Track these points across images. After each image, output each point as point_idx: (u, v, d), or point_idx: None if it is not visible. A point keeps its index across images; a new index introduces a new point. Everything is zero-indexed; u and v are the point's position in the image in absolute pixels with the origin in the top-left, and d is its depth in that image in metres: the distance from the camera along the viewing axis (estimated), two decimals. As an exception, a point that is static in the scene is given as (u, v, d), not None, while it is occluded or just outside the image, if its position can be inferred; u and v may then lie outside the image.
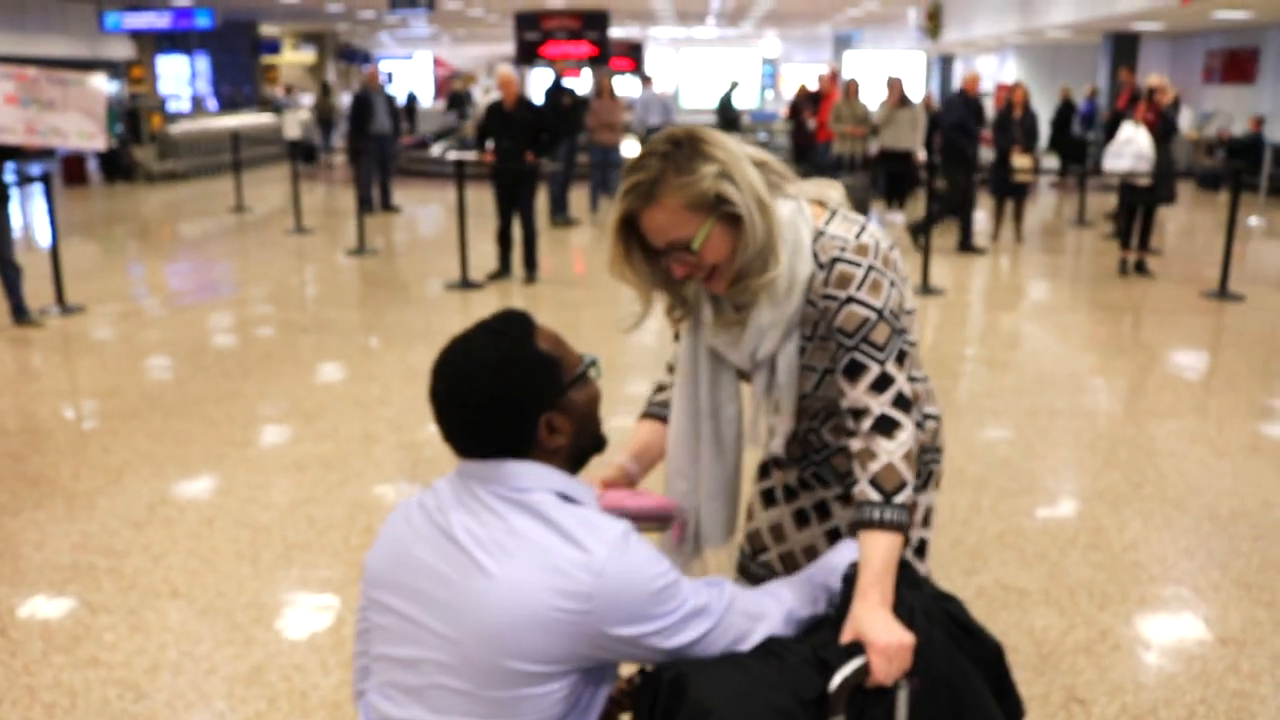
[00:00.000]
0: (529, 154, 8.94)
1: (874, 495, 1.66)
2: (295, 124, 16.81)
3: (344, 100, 27.35)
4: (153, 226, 13.57)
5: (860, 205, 12.69)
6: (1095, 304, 8.64)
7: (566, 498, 1.54)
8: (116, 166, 17.78)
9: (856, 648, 1.54)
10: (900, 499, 1.65)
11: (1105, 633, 3.45)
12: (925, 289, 8.69)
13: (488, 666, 1.45)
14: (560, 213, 12.66)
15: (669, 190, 1.67)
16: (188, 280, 9.79)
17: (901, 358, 1.73)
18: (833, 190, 1.83)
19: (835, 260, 1.71)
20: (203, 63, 28.54)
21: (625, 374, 6.39)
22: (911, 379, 1.78)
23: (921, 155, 12.49)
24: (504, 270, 9.25)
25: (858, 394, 1.71)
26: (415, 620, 1.52)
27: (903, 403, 1.71)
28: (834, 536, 2.00)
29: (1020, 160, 11.30)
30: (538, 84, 14.54)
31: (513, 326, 1.57)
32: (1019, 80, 12.86)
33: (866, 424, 1.70)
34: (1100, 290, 9.08)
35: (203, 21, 22.57)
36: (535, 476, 1.53)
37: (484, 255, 9.69)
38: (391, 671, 1.56)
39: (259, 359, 6.88)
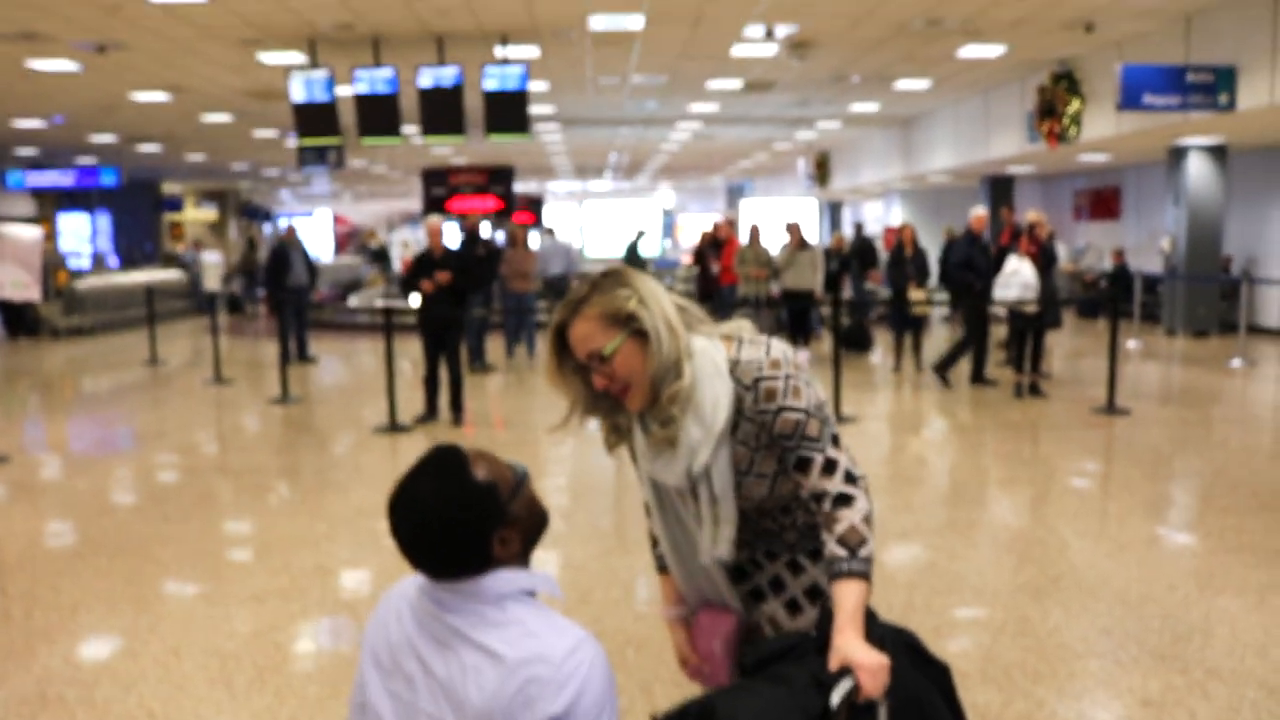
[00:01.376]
0: (454, 291, 9.28)
1: (841, 552, 1.96)
2: (215, 277, 16.96)
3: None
4: (68, 379, 13.50)
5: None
6: (997, 424, 9.19)
7: (530, 596, 1.77)
8: (20, 322, 17.64)
9: (845, 671, 1.84)
10: (863, 553, 1.96)
11: (1041, 703, 3.76)
12: (837, 416, 9.15)
13: None
14: (478, 360, 12.95)
15: (590, 305, 1.99)
16: (113, 430, 9.79)
17: (835, 441, 2.06)
18: (740, 326, 2.16)
19: (758, 380, 2.03)
20: (104, 220, 28.55)
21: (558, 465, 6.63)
22: (844, 451, 2.10)
23: (819, 294, 13.18)
24: (431, 413, 9.47)
25: (812, 482, 2.03)
26: (408, 700, 1.74)
27: (850, 478, 2.03)
28: (793, 607, 2.25)
29: (915, 294, 12.03)
30: (450, 237, 15.05)
31: (448, 465, 1.75)
32: (906, 221, 13.74)
33: (828, 504, 2.01)
34: (1000, 412, 9.66)
35: (108, 180, 22.73)
36: (496, 583, 1.74)
37: (409, 400, 9.90)
38: None
39: (197, 502, 6.96)
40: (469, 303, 11.13)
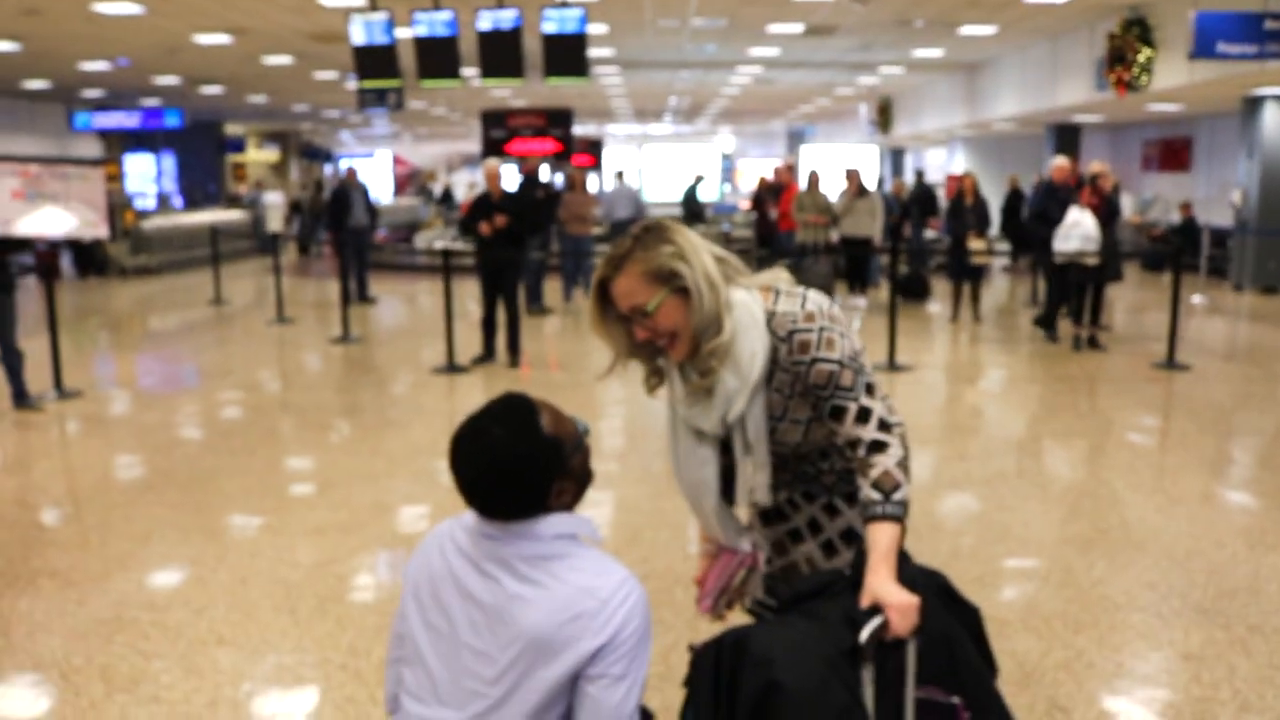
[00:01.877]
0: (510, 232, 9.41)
1: (875, 495, 2.03)
2: (277, 218, 17.23)
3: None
4: (136, 318, 13.86)
5: (824, 290, 13.24)
6: (1053, 376, 9.15)
7: (574, 538, 1.88)
8: (90, 262, 18.07)
9: (876, 609, 1.92)
10: (898, 496, 2.03)
11: (1080, 653, 3.83)
12: (891, 365, 9.16)
13: (516, 680, 1.79)
14: (536, 302, 13.09)
15: (633, 262, 2.07)
16: (180, 367, 10.08)
17: (870, 389, 2.12)
18: (777, 276, 2.24)
19: (792, 332, 2.11)
20: (169, 161, 28.98)
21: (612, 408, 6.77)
22: (882, 399, 2.16)
23: (879, 241, 13.13)
24: (488, 355, 9.62)
25: (846, 429, 2.11)
26: (447, 633, 1.86)
27: (885, 425, 2.09)
28: (828, 548, 2.35)
29: (975, 244, 11.94)
30: (509, 179, 15.15)
31: (519, 414, 1.86)
32: (968, 170, 13.60)
33: (862, 450, 2.09)
34: (1057, 364, 9.61)
35: (172, 121, 23.08)
36: (547, 527, 1.86)
37: (467, 341, 10.06)
38: (423, 678, 1.89)
39: (262, 438, 7.18)
40: (527, 245, 11.25)
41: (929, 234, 17.59)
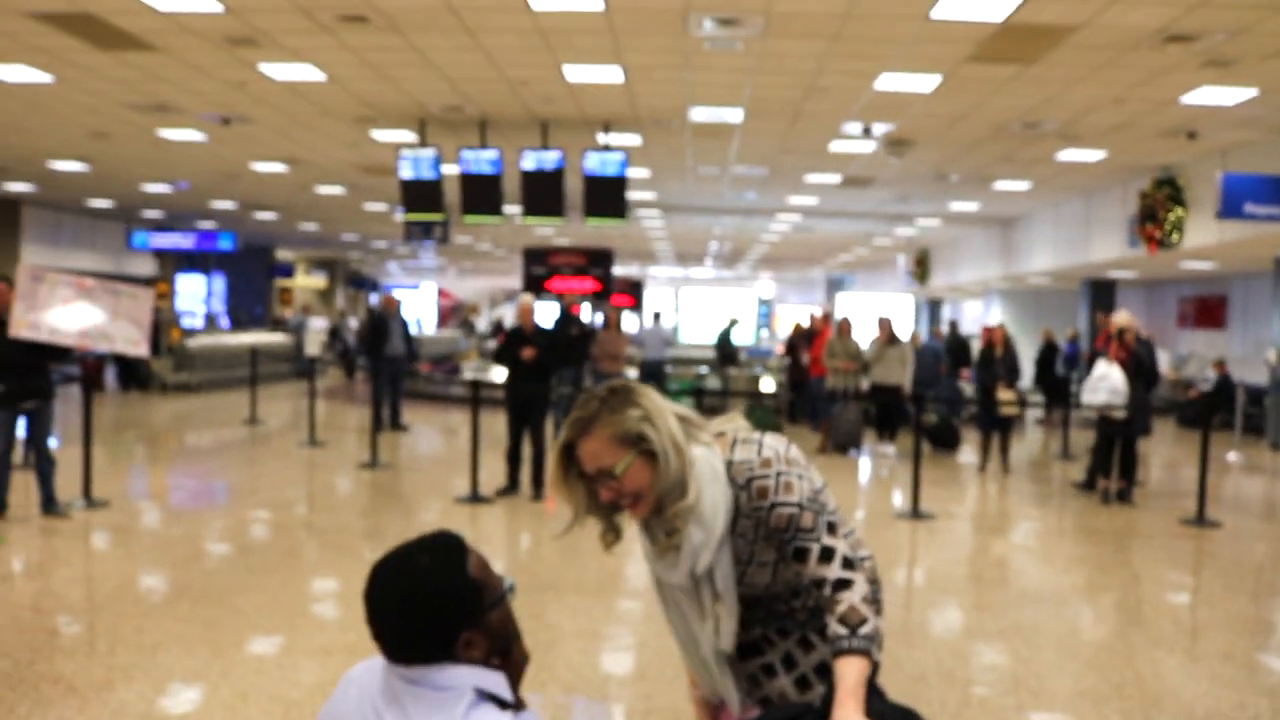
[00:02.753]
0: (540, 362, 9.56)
1: (842, 630, 2.08)
2: (316, 343, 17.60)
3: (356, 323, 28.50)
4: (171, 433, 14.09)
5: (852, 437, 13.27)
6: (1079, 529, 9.05)
7: (487, 694, 1.75)
8: (133, 376, 18.45)
9: None
10: (864, 631, 2.08)
11: (1085, 810, 3.73)
12: (915, 513, 9.11)
13: None
14: (564, 433, 13.16)
15: (600, 425, 2.13)
16: (208, 483, 10.20)
17: (833, 528, 2.18)
18: (734, 421, 2.33)
19: (750, 479, 2.18)
20: (219, 283, 29.77)
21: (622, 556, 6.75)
22: (845, 536, 2.23)
23: (908, 390, 13.18)
24: (512, 486, 9.67)
25: (811, 569, 2.16)
26: None
27: (849, 563, 2.15)
28: (802, 683, 2.36)
29: (1003, 395, 11.96)
30: (546, 315, 15.43)
31: (447, 549, 1.76)
32: (1000, 322, 13.71)
33: (828, 589, 2.14)
34: (1084, 517, 9.51)
35: (225, 244, 23.82)
36: (457, 677, 1.75)
37: (491, 472, 10.12)
38: None
39: (280, 558, 7.23)
40: (561, 378, 11.40)
41: (961, 384, 17.62)
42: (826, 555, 2.14)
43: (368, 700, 1.78)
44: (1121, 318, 10.02)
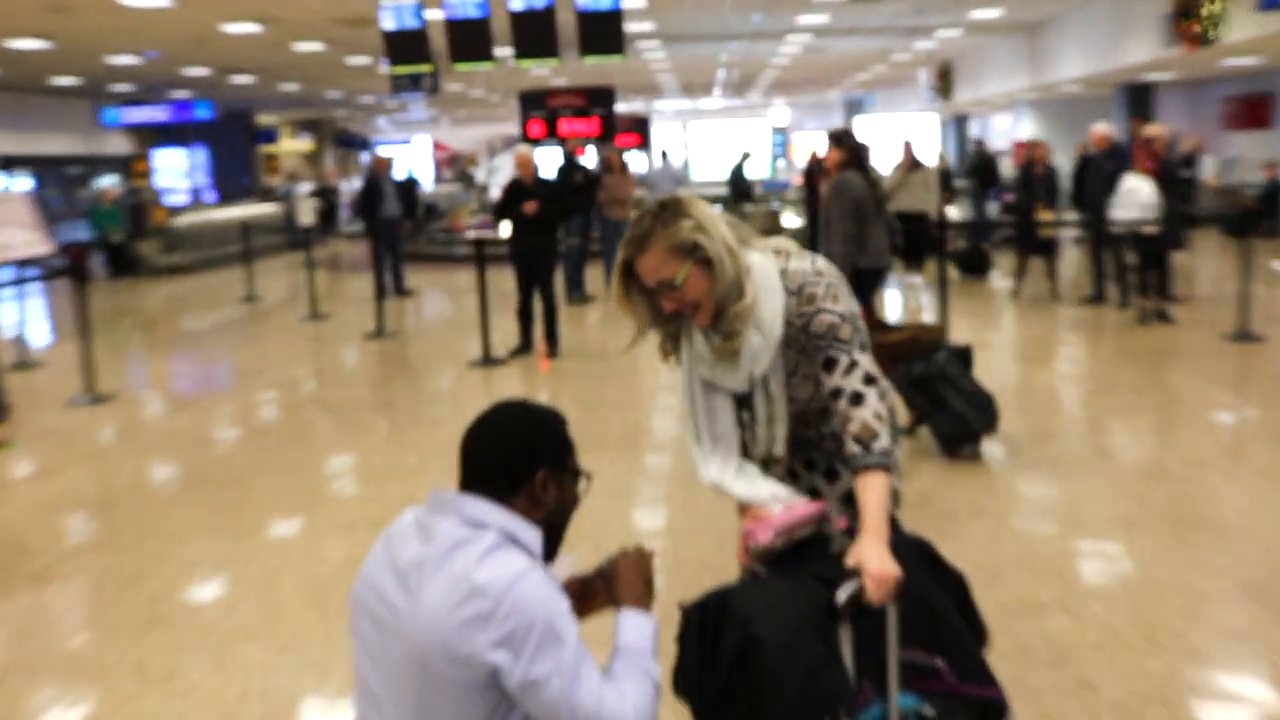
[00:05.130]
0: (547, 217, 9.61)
1: (856, 448, 2.27)
2: (310, 211, 17.64)
3: (349, 186, 28.42)
4: (168, 317, 14.33)
5: (877, 269, 13.30)
6: (1117, 352, 9.20)
7: (513, 539, 1.95)
8: (122, 261, 18.60)
9: (855, 573, 2.10)
10: (877, 446, 2.26)
11: (1116, 633, 3.96)
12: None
13: (406, 686, 1.89)
14: (577, 290, 13.31)
15: (656, 239, 2.31)
16: (213, 366, 10.43)
17: (864, 347, 2.36)
18: (786, 241, 2.50)
19: (803, 285, 2.38)
20: (200, 155, 29.60)
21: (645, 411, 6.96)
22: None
23: (935, 216, 13.15)
24: (526, 346, 9.85)
25: (834, 379, 2.34)
26: (370, 641, 1.97)
27: (869, 379, 2.33)
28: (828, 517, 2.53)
29: (1044, 216, 11.88)
30: (548, 162, 15.35)
31: (550, 413, 2.09)
32: (1038, 138, 13.59)
33: (843, 401, 2.32)
34: (1120, 339, 9.65)
35: (202, 113, 23.62)
36: (493, 514, 1.96)
37: (504, 333, 10.29)
38: (360, 685, 2.02)
39: (294, 437, 7.47)
40: (569, 230, 11.45)
41: (993, 205, 17.56)
42: (851, 368, 2.32)
43: (398, 538, 1.99)
44: (1152, 129, 9.94)
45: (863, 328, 2.38)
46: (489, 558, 1.87)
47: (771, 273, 2.37)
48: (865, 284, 7.23)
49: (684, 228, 2.29)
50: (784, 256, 2.42)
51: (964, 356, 6.57)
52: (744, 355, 2.38)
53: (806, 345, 2.38)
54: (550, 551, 2.05)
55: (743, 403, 2.49)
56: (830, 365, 2.34)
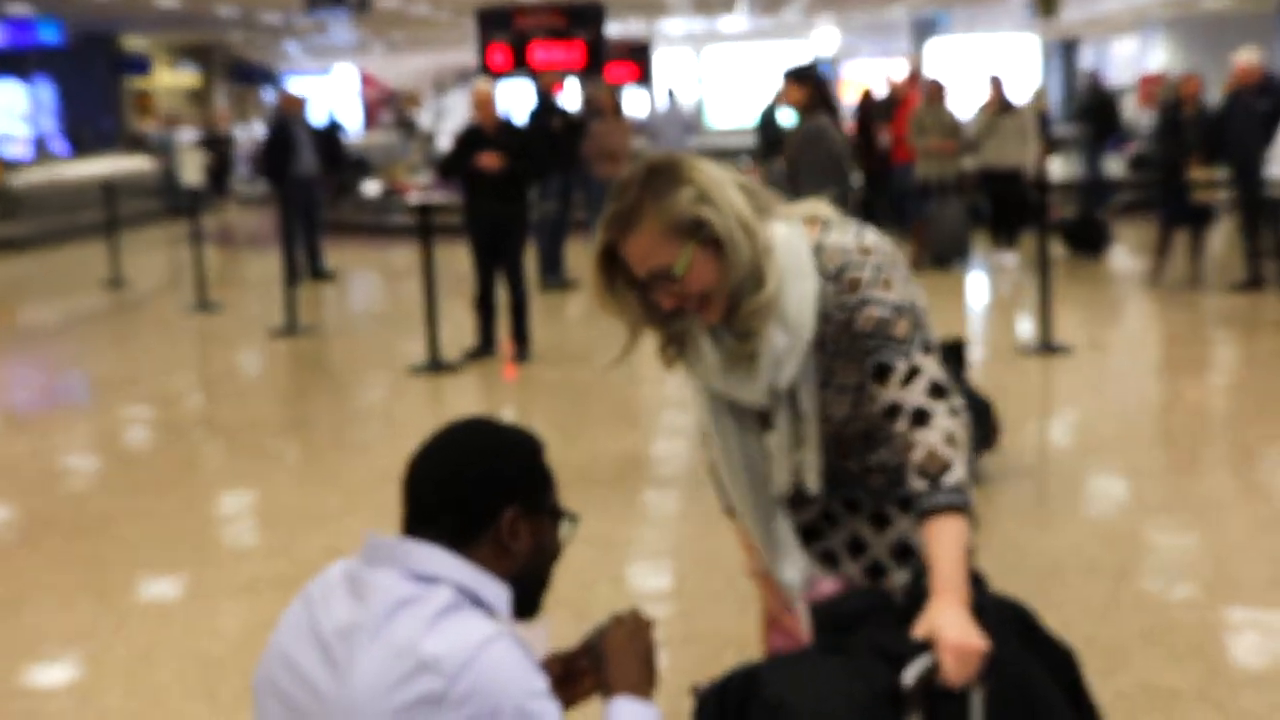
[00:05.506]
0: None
1: (920, 484, 2.22)
2: (195, 167, 17.63)
3: (248, 134, 28.41)
4: (3, 309, 14.34)
5: (955, 244, 13.33)
6: (1277, 356, 9.22)
7: (474, 598, 1.95)
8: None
9: (926, 646, 2.08)
10: (950, 481, 2.20)
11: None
12: (1045, 346, 9.22)
13: None
14: (553, 273, 13.29)
15: (645, 217, 2.27)
16: (65, 376, 10.43)
17: (927, 348, 2.33)
18: (822, 207, 2.47)
19: (843, 267, 2.34)
20: (45, 91, 29.54)
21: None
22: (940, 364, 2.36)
23: (1033, 174, 13.17)
24: (486, 347, 9.81)
25: (888, 392, 2.30)
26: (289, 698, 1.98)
27: (936, 390, 2.29)
28: (876, 572, 2.54)
29: (1198, 174, 11.67)
30: (515, 103, 15.31)
31: (524, 437, 2.08)
32: (1174, 69, 13.57)
33: (902, 421, 2.28)
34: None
35: (48, 36, 23.50)
36: (447, 565, 1.95)
37: (457, 329, 10.27)
38: None
39: (177, 469, 7.46)
40: (543, 193, 11.39)
41: (1113, 160, 17.55)
42: (911, 376, 2.29)
43: (321, 598, 2.00)
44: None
45: (927, 323, 2.36)
46: (442, 622, 1.87)
47: (800, 251, 2.35)
48: None
49: (682, 199, 2.27)
50: (819, 228, 2.39)
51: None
52: (764, 359, 2.36)
53: (849, 348, 2.37)
54: (524, 612, 2.06)
55: (765, 422, 2.49)
56: (883, 374, 2.31)
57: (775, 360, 2.36)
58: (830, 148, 7.31)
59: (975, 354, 9.62)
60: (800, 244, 2.35)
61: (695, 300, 2.32)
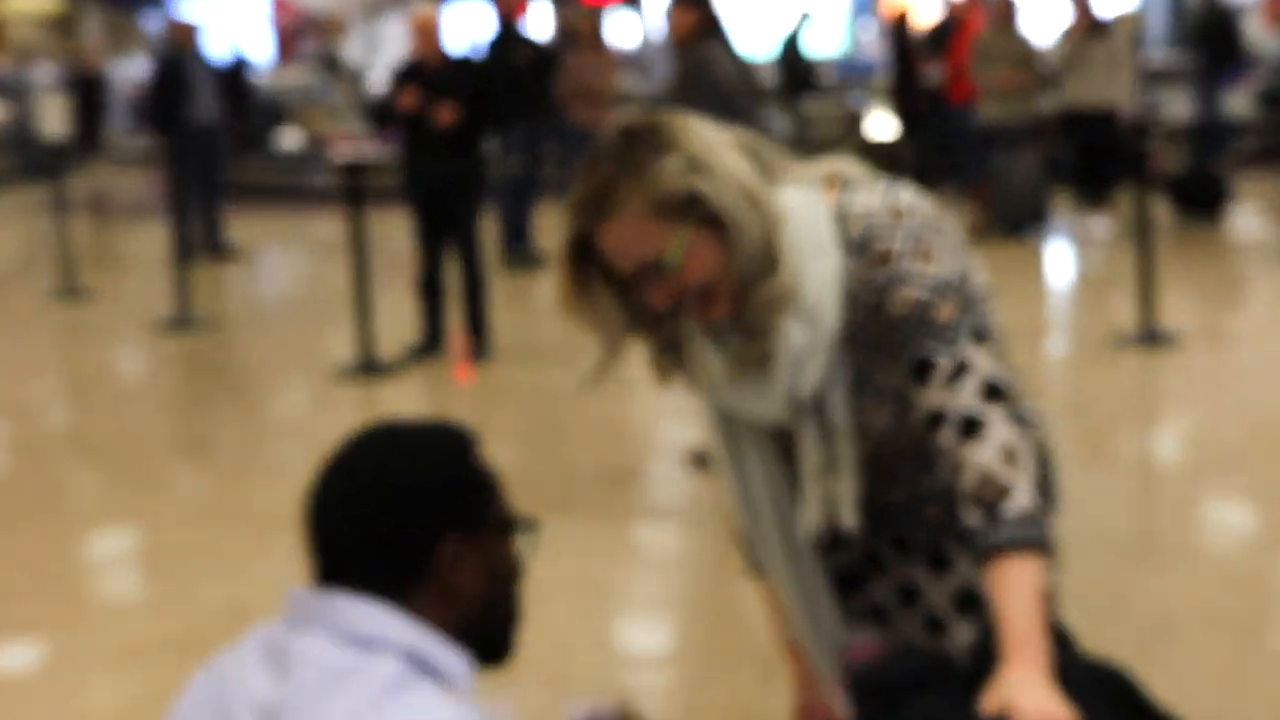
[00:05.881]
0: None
1: (976, 515, 2.16)
2: (58, 115, 17.54)
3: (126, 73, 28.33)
4: None
5: (1030, 205, 13.30)
6: None
7: (422, 664, 1.88)
8: None
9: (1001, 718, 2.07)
10: (1012, 510, 2.14)
11: None
12: (1148, 335, 9.18)
13: None
14: (518, 243, 13.24)
15: (626, 196, 2.23)
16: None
17: (979, 336, 2.27)
18: (842, 163, 2.44)
19: (868, 235, 2.29)
20: None
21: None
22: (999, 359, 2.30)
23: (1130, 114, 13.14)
24: (432, 342, 9.78)
25: (930, 395, 2.25)
26: None
27: (991, 391, 2.23)
28: (934, 626, 2.52)
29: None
30: (467, 30, 15.22)
31: (447, 436, 2.00)
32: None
33: (948, 432, 2.22)
34: None
35: None
36: (389, 624, 1.89)
37: (396, 321, 10.22)
38: None
39: (38, 502, 7.39)
40: (505, 145, 11.35)
41: (1234, 98, 17.53)
42: (957, 374, 2.23)
43: (233, 672, 1.94)
44: None
45: (983, 305, 2.31)
46: (388, 703, 1.80)
47: (818, 220, 2.31)
48: None
49: (669, 170, 2.22)
50: (840, 187, 2.36)
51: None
52: (779, 362, 2.32)
53: (884, 339, 2.32)
54: (495, 657, 2.00)
55: (788, 444, 2.45)
56: (923, 373, 2.26)
57: (794, 361, 2.32)
58: (714, 79, 7.32)
59: (1057, 347, 9.62)
60: (817, 211, 2.31)
61: (695, 295, 2.28)
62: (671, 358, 2.46)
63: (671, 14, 7.67)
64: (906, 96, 15.63)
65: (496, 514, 2.00)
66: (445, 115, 9.38)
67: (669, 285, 2.26)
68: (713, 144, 2.27)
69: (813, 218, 2.30)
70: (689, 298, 2.28)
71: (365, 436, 2.00)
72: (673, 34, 7.87)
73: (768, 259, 2.25)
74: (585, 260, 2.32)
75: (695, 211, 2.22)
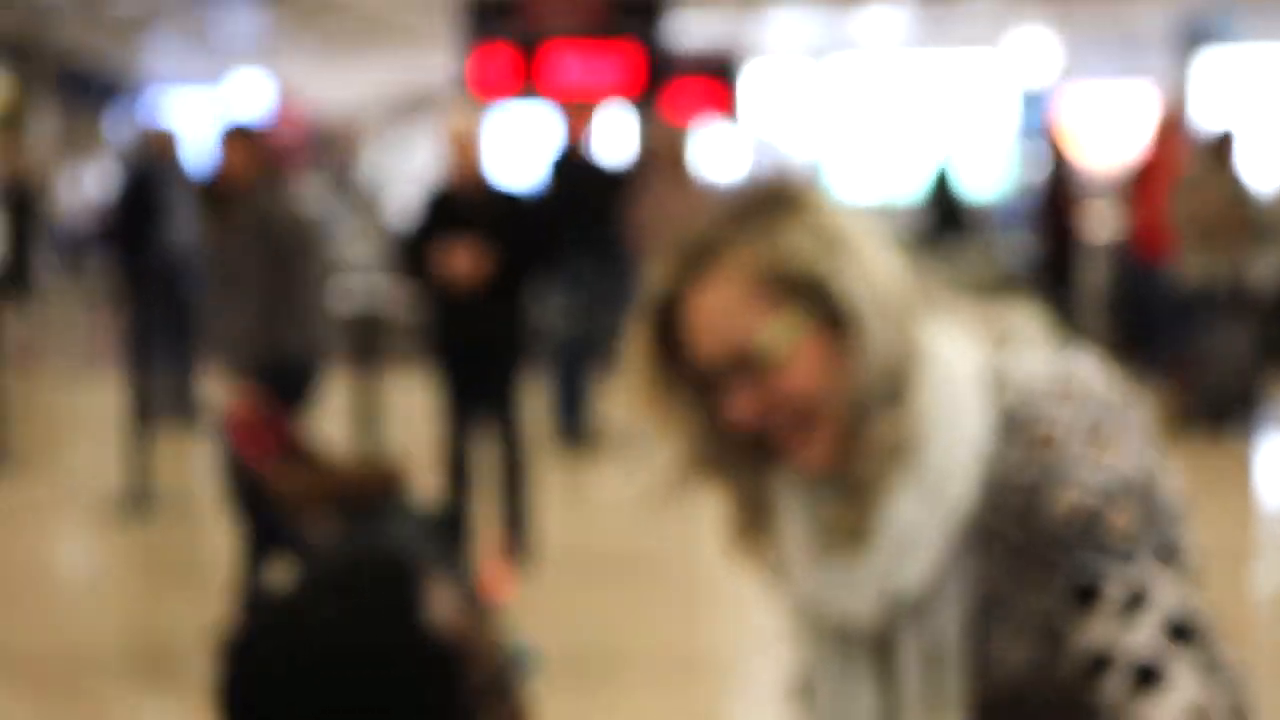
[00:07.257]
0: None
1: None
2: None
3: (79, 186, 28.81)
4: None
5: (1242, 390, 13.28)
6: None
7: None
8: None
9: None
10: None
11: None
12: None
13: None
14: (570, 415, 13.28)
15: (734, 256, 2.22)
16: None
17: (1167, 554, 2.19)
18: (1016, 314, 2.38)
19: (1027, 412, 2.21)
20: None
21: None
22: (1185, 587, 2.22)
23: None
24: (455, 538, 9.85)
25: (1092, 632, 2.16)
26: None
27: (1178, 632, 2.13)
28: None
29: None
30: (521, 146, 15.30)
31: (385, 587, 1.94)
32: None
33: (1115, 682, 2.14)
34: None
35: None
36: None
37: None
38: None
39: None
40: (564, 293, 11.44)
41: None
42: (1133, 605, 2.14)
43: None
44: None
45: (1169, 512, 2.22)
46: None
47: (964, 375, 2.25)
48: (290, 386, 8.25)
49: (796, 240, 2.21)
50: (1005, 346, 2.30)
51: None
52: (880, 538, 2.23)
53: (1027, 549, 2.22)
54: None
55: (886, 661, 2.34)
56: (1085, 598, 2.16)
57: (897, 542, 2.22)
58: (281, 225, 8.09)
59: (1268, 579, 9.61)
60: (968, 364, 2.26)
61: (790, 412, 2.22)
62: (755, 521, 2.39)
63: (225, 146, 8.29)
64: (1056, 247, 15.71)
65: (476, 680, 1.93)
66: (472, 257, 9.28)
67: (761, 390, 2.20)
68: (860, 231, 2.23)
69: (958, 370, 2.24)
70: (782, 415, 2.22)
71: (285, 633, 1.95)
72: (231, 172, 8.33)
73: (892, 390, 2.19)
74: (670, 339, 2.29)
75: (815, 300, 2.19)
